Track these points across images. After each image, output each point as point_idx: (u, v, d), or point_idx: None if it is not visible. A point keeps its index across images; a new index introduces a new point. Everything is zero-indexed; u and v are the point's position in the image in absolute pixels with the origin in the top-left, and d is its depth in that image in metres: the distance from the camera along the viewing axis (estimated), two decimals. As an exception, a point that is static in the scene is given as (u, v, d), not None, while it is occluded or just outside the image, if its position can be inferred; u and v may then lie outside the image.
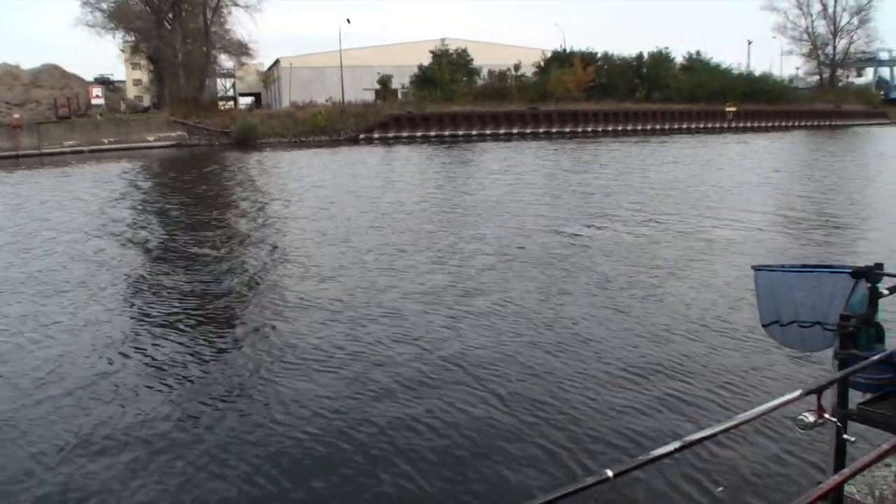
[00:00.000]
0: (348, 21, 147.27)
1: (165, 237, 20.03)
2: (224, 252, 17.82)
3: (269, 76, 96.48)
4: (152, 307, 12.90)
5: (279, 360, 9.89)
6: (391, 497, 6.47)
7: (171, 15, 69.16)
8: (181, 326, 11.67)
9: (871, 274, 4.08)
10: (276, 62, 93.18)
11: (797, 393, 2.91)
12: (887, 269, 4.17)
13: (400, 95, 78.85)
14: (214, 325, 11.91)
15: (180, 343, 10.83)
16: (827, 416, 3.14)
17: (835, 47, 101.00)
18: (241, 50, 72.07)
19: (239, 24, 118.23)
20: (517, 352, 10.00)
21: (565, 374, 9.15)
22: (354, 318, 11.78)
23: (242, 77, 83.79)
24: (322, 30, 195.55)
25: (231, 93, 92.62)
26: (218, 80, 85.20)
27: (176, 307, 12.82)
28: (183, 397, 8.76)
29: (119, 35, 70.59)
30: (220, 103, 78.76)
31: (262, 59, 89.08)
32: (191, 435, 7.69)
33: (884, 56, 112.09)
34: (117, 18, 67.17)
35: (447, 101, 71.57)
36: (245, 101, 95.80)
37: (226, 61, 76.10)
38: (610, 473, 2.18)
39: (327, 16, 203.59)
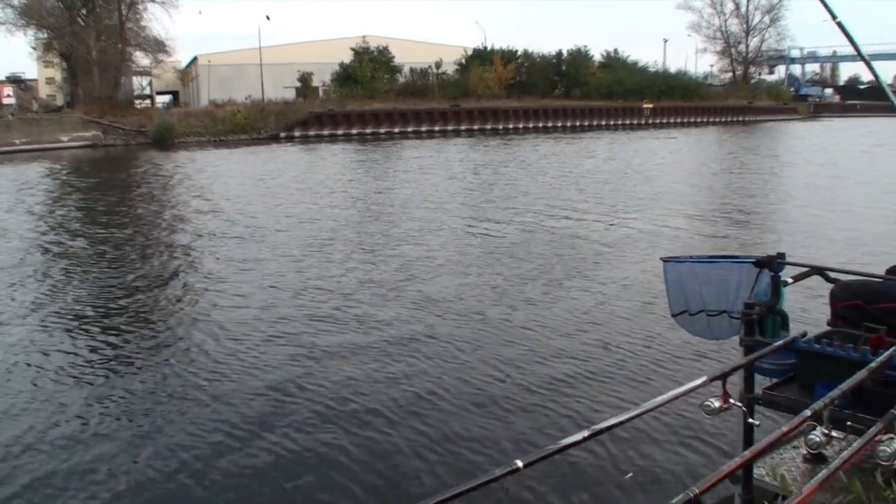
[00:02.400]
0: (268, 18, 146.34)
1: (76, 241, 19.49)
2: (141, 254, 17.47)
3: (187, 74, 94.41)
4: (71, 310, 12.58)
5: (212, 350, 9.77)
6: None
7: (84, 11, 66.91)
8: (99, 329, 11.41)
9: (774, 263, 4.21)
10: (194, 60, 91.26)
11: (703, 379, 2.99)
12: (789, 259, 4.32)
13: (321, 93, 78.13)
14: (132, 324, 11.65)
15: (103, 343, 10.60)
16: (732, 401, 3.23)
17: (747, 45, 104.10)
18: (157, 47, 70.10)
19: (155, 20, 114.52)
20: (440, 341, 10.07)
21: (482, 363, 9.28)
22: (279, 315, 11.73)
23: (159, 75, 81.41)
24: (241, 27, 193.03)
25: (148, 91, 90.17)
26: (134, 79, 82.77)
27: (89, 311, 12.54)
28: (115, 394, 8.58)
29: (31, 32, 68.05)
30: (137, 102, 76.57)
31: (180, 57, 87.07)
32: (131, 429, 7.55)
33: (794, 54, 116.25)
34: (29, 15, 64.66)
35: (369, 99, 71.11)
36: (162, 100, 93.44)
37: (142, 59, 73.87)
38: (520, 464, 2.20)
39: (246, 12, 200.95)
